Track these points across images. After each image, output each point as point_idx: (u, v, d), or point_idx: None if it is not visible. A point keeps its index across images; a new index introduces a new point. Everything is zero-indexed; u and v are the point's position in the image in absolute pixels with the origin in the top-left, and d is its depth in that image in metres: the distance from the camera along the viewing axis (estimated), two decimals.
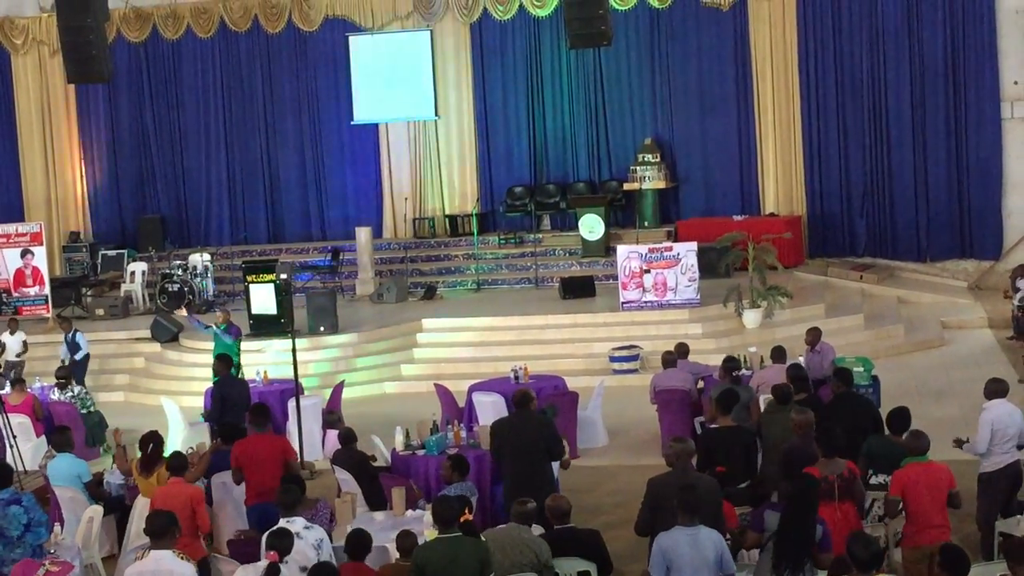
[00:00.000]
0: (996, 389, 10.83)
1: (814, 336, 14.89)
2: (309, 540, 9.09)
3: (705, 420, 13.43)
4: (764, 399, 12.47)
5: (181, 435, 15.59)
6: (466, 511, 9.11)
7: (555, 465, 11.29)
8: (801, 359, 14.64)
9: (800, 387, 12.05)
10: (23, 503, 9.93)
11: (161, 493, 10.20)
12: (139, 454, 11.62)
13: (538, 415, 11.22)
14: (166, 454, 11.49)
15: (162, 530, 8.80)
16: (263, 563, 8.67)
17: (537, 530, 9.40)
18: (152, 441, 11.61)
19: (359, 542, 8.74)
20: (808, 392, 12.15)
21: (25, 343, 19.43)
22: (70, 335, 19.04)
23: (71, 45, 18.67)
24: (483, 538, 8.78)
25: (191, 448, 13.32)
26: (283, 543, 8.75)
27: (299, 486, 9.91)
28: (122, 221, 27.44)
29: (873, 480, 10.20)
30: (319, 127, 26.54)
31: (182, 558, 8.73)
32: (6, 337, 19.26)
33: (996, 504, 10.30)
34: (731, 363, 13.78)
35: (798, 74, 23.90)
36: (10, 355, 19.19)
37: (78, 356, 18.89)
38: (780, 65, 23.95)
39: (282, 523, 9.12)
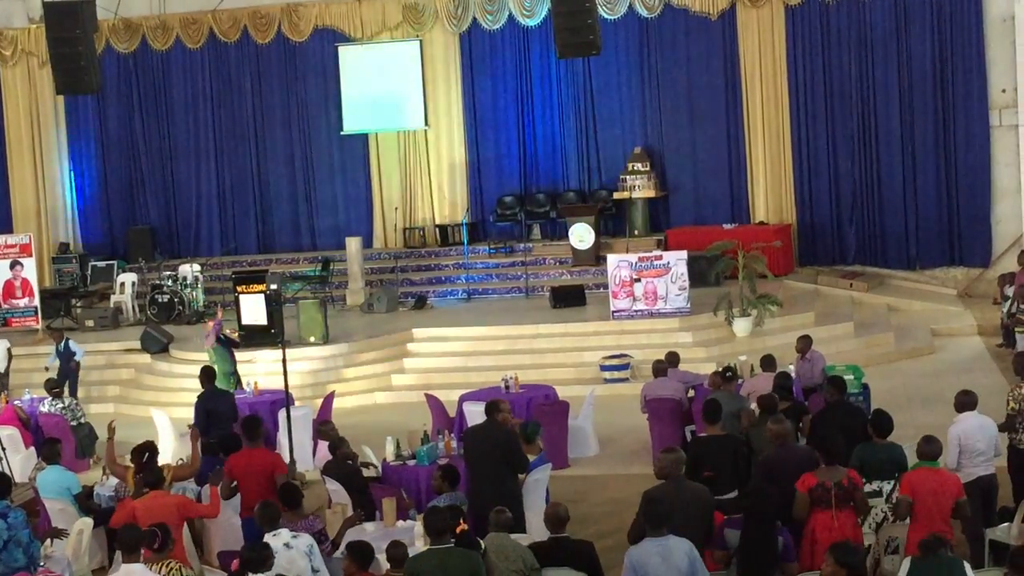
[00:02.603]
0: (965, 402, 10.82)
1: (804, 344, 14.92)
2: (300, 548, 9.11)
3: (697, 429, 13.44)
4: (754, 408, 12.47)
5: (171, 446, 15.55)
6: (460, 521, 9.13)
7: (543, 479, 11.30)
8: (791, 367, 14.66)
9: (784, 396, 12.07)
10: (8, 519, 9.78)
11: (143, 507, 10.12)
12: (132, 463, 11.62)
13: (502, 426, 11.13)
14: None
15: (133, 544, 8.81)
16: None
17: (526, 539, 9.42)
18: (147, 450, 11.63)
19: (363, 551, 8.72)
20: (791, 401, 12.16)
21: (9, 351, 19.35)
22: (61, 345, 19.03)
23: (60, 56, 18.69)
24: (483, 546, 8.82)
25: (181, 459, 13.31)
26: (257, 555, 8.76)
27: (296, 495, 9.92)
28: (112, 232, 27.37)
29: (867, 488, 10.21)
30: (309, 137, 26.51)
31: (155, 571, 8.76)
32: None
33: (976, 515, 10.29)
34: (726, 371, 13.75)
35: (787, 83, 23.94)
36: None
37: (78, 358, 18.97)
38: (769, 74, 24.00)
39: (267, 537, 9.11)
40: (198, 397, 14.46)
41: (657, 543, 8.15)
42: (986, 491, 10.52)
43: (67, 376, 18.60)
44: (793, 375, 14.17)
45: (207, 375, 14.67)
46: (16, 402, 16.50)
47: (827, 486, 9.25)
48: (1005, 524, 10.11)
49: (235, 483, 11.09)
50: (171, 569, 8.88)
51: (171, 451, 15.31)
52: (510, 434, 11.17)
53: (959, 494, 9.36)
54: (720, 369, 13.83)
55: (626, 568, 8.22)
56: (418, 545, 9.85)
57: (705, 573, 8.28)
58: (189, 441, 14.73)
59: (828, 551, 7.89)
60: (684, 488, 9.17)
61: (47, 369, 18.73)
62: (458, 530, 8.88)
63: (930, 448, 9.55)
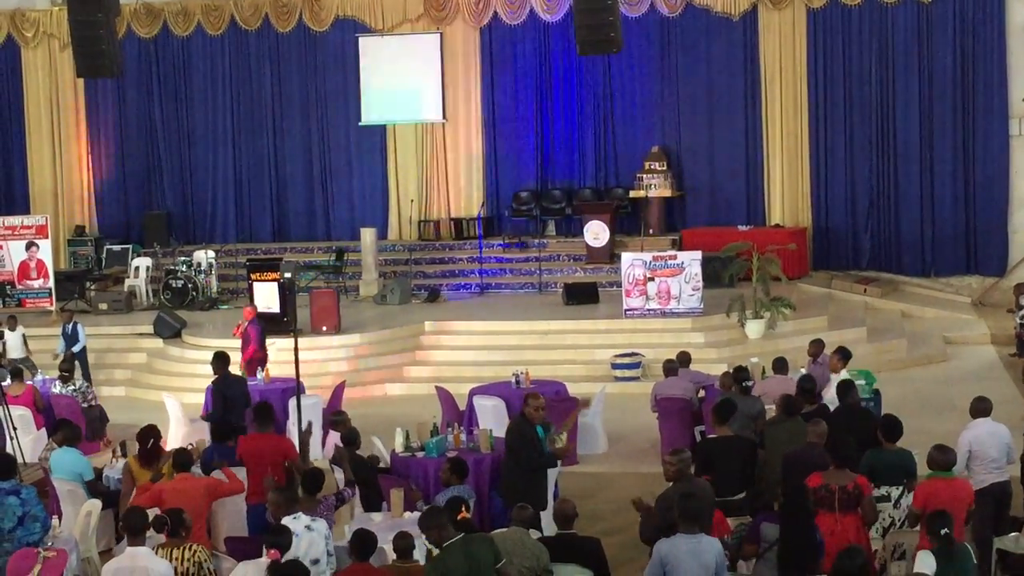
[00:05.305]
0: (980, 408, 10.83)
1: (817, 348, 14.87)
2: (321, 531, 9.17)
3: (706, 430, 13.43)
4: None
5: (181, 432, 15.59)
6: (463, 509, 9.15)
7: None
8: (803, 371, 14.62)
9: (807, 399, 12.04)
10: (21, 495, 9.87)
11: (172, 489, 10.17)
12: (137, 447, 11.66)
13: (525, 420, 11.13)
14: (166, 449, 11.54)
15: (138, 527, 8.83)
16: (264, 560, 8.69)
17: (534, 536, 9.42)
18: (151, 435, 11.65)
19: (364, 542, 8.73)
20: (815, 404, 12.13)
21: (24, 338, 19.39)
22: (69, 326, 19.04)
23: (81, 39, 18.68)
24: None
25: (191, 444, 13.30)
26: (282, 540, 8.78)
27: (319, 481, 9.97)
28: (128, 216, 27.43)
29: (875, 493, 10.18)
30: (327, 127, 26.53)
31: (159, 555, 8.79)
32: (6, 333, 19.26)
33: (986, 522, 10.27)
34: (741, 373, 13.72)
35: (807, 86, 23.91)
36: (11, 352, 19.16)
37: (76, 348, 18.89)
38: (789, 76, 23.96)
39: (286, 520, 9.14)
40: (213, 382, 14.49)
41: (689, 539, 8.14)
42: (999, 498, 10.50)
43: (75, 358, 18.54)
44: None
45: (221, 360, 14.71)
46: (31, 382, 16.56)
47: (831, 488, 9.24)
48: (1014, 534, 10.08)
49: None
50: (194, 552, 8.91)
51: (181, 436, 15.35)
52: (521, 429, 11.12)
53: (971, 503, 9.34)
54: (732, 371, 13.80)
55: (653, 559, 8.23)
56: (424, 538, 9.85)
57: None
58: (198, 427, 14.86)
59: (834, 560, 7.88)
60: (693, 486, 9.16)
61: (56, 358, 18.69)
62: (459, 517, 8.90)
63: (943, 458, 9.52)
